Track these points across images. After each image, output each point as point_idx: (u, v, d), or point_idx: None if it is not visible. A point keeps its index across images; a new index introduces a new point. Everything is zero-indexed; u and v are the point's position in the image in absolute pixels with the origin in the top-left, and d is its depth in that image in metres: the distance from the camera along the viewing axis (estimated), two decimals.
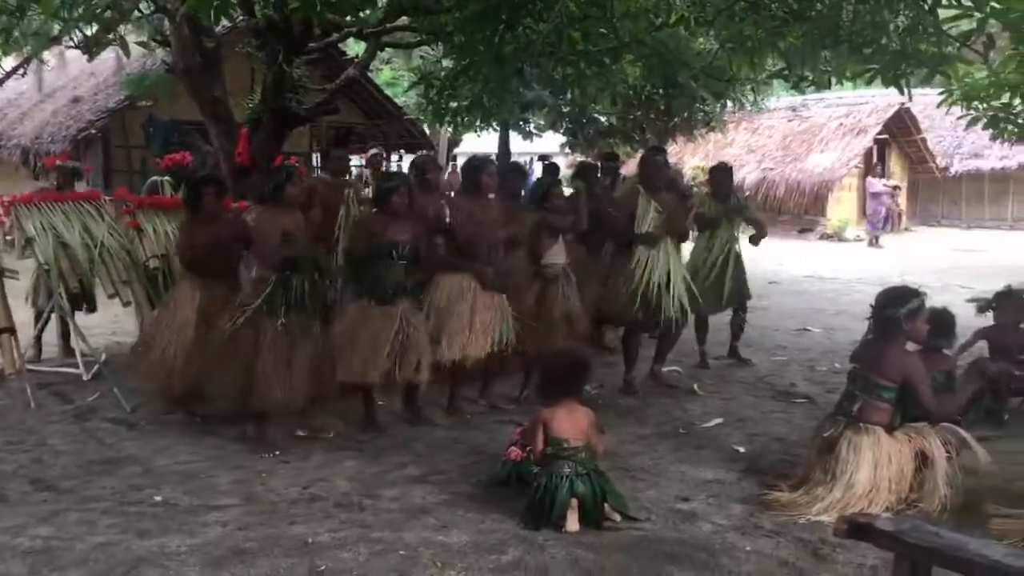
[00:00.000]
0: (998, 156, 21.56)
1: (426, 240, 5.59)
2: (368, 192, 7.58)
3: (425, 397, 5.72)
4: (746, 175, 20.93)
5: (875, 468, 4.08)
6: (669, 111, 13.60)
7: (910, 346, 4.39)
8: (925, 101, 17.54)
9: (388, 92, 18.77)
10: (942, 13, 5.38)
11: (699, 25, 6.84)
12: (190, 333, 5.34)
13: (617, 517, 3.95)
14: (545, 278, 6.03)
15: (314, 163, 16.31)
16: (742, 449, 5.11)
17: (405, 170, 8.45)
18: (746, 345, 7.62)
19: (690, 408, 6.00)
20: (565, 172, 13.14)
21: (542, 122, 14.89)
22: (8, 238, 6.52)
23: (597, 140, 14.48)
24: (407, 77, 15.92)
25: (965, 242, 19.12)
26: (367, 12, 7.13)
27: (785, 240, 19.10)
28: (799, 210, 21.14)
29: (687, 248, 6.79)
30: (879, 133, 21.41)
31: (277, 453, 4.92)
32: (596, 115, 14.11)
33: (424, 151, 13.43)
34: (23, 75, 15.39)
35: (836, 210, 21.02)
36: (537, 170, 15.22)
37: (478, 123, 11.59)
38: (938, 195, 24.14)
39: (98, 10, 7.32)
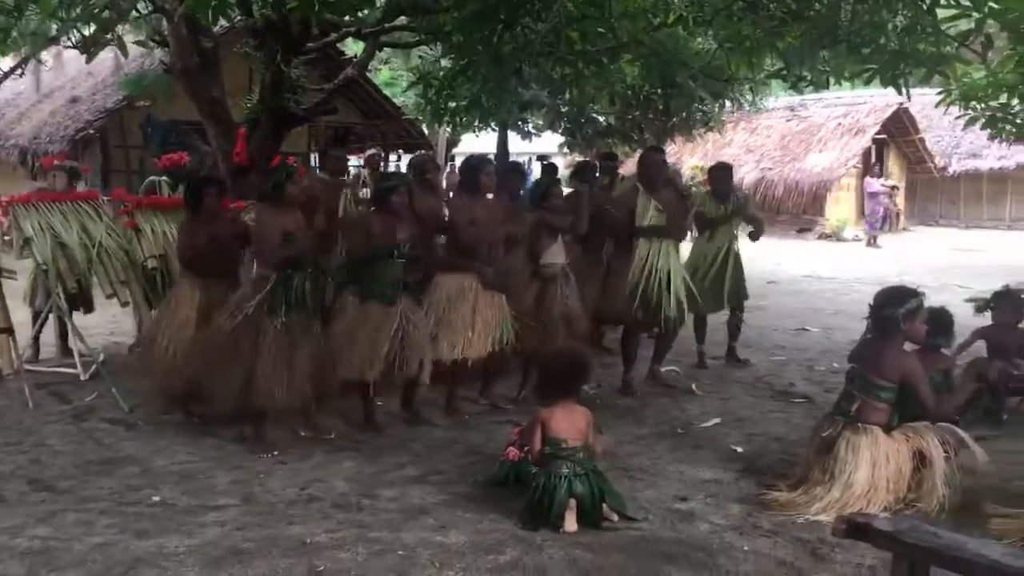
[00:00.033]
0: (996, 156, 21.57)
1: (426, 239, 5.59)
2: (365, 192, 7.58)
3: (423, 397, 5.72)
4: (744, 175, 20.93)
5: (873, 468, 4.08)
6: (667, 111, 13.61)
7: (908, 346, 4.39)
8: (923, 101, 17.56)
9: (386, 92, 18.77)
10: (940, 13, 5.38)
11: (697, 25, 6.84)
12: (190, 333, 5.34)
13: (615, 517, 3.95)
14: (544, 278, 6.03)
15: (312, 163, 16.30)
16: (740, 449, 5.11)
17: (403, 170, 8.45)
18: (744, 345, 7.62)
19: (688, 408, 6.00)
20: (563, 172, 13.17)
21: (540, 122, 14.90)
22: (6, 238, 6.52)
23: (595, 140, 14.49)
24: (405, 77, 15.95)
25: (963, 242, 19.14)
26: (365, 12, 7.12)
27: (783, 240, 19.11)
28: (797, 210, 21.16)
29: (685, 248, 6.78)
30: (877, 133, 21.43)
31: (275, 453, 4.92)
32: (594, 115, 14.13)
33: (422, 151, 13.43)
34: (21, 75, 15.38)
35: (834, 210, 21.04)
36: (536, 170, 15.22)
37: (476, 123, 11.60)
38: (936, 195, 24.16)
39: (96, 10, 7.31)
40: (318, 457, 4.89)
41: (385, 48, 10.53)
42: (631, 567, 3.51)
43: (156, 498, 4.25)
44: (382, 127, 18.12)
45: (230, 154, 7.67)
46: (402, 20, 8.25)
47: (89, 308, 6.95)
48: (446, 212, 6.02)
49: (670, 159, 11.36)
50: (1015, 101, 6.77)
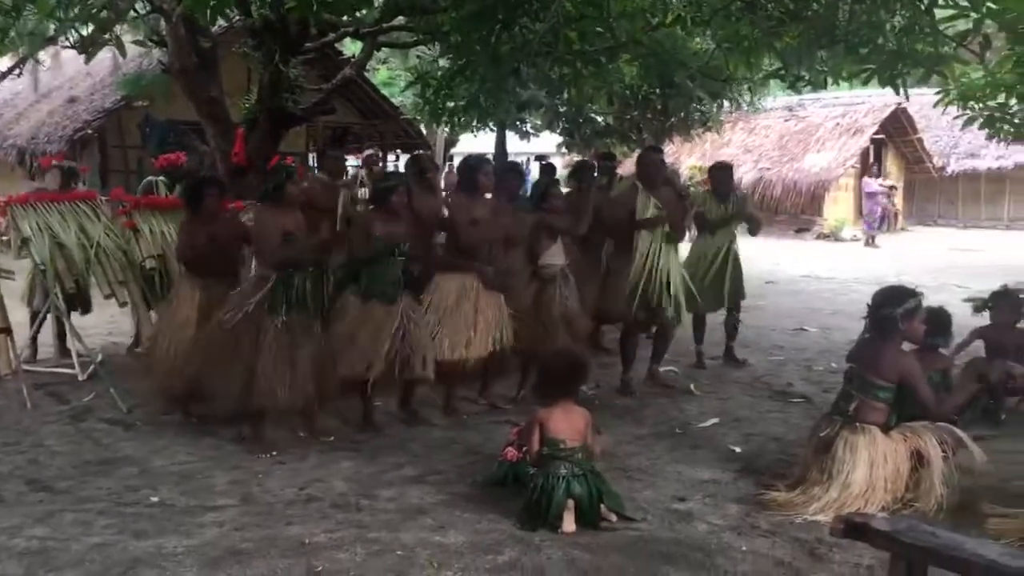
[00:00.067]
0: (994, 156, 21.57)
1: (425, 239, 5.59)
2: (363, 193, 7.58)
3: (422, 397, 5.72)
4: (743, 175, 20.91)
5: (871, 468, 4.08)
6: (666, 111, 13.61)
7: (907, 346, 4.39)
8: (921, 101, 17.55)
9: (385, 92, 18.78)
10: (938, 13, 5.38)
11: (696, 25, 6.84)
12: (190, 332, 5.34)
13: (613, 517, 3.95)
14: (543, 278, 6.03)
15: (310, 163, 16.30)
16: (738, 449, 5.11)
17: (401, 170, 8.44)
18: (743, 345, 7.62)
19: (687, 408, 6.01)
20: (562, 172, 13.17)
21: (539, 122, 14.88)
22: (4, 238, 6.52)
23: (594, 140, 14.49)
24: (404, 77, 15.96)
25: (961, 242, 19.15)
26: (363, 12, 7.13)
27: (782, 240, 19.13)
28: (796, 210, 21.16)
29: (685, 248, 6.78)
30: (875, 133, 21.43)
31: (274, 454, 4.92)
32: (593, 115, 14.12)
33: (421, 151, 13.43)
34: (19, 75, 15.38)
35: (833, 210, 21.04)
36: (534, 170, 15.23)
37: (475, 123, 11.57)
38: (934, 195, 24.17)
39: (94, 10, 7.30)
40: (317, 457, 4.89)
41: (383, 48, 10.55)
42: (629, 567, 3.51)
43: (154, 498, 4.25)
44: (380, 127, 18.13)
45: (228, 154, 7.68)
46: (400, 20, 8.26)
47: (87, 308, 6.95)
48: (445, 212, 6.02)
49: (668, 159, 11.34)
50: (1013, 101, 6.76)
